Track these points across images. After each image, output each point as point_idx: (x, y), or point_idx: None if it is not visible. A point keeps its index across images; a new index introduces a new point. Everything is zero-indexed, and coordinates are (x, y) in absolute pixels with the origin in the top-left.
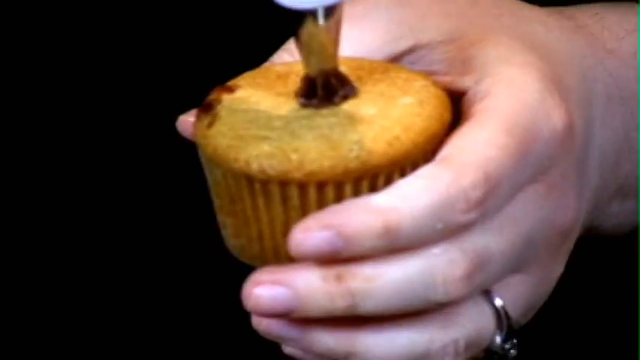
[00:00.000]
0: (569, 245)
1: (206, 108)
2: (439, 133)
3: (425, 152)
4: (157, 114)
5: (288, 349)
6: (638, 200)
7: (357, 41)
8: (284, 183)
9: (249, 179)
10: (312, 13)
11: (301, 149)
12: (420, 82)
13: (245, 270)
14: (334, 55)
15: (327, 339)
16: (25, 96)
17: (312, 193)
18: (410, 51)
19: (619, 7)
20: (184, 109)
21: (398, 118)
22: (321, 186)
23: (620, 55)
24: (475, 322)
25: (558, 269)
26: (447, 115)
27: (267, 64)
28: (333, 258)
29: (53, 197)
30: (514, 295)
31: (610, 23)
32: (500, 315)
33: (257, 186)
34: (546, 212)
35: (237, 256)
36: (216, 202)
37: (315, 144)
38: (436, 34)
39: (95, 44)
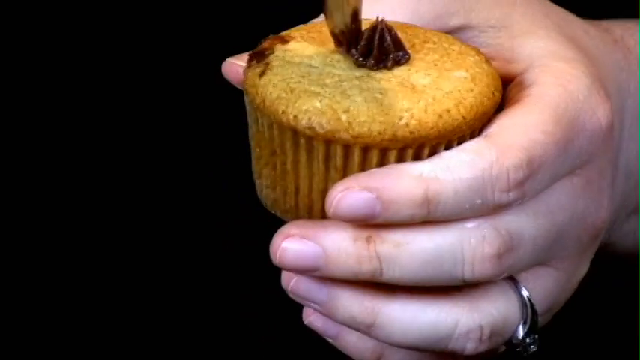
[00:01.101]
0: (595, 246)
1: (258, 55)
2: (489, 111)
3: (473, 129)
4: (162, 106)
5: (308, 319)
6: None
7: (412, 10)
8: (330, 142)
9: (295, 133)
10: None
11: (352, 110)
12: (473, 58)
13: (249, 268)
14: (355, 10)
15: (353, 304)
16: (26, 95)
17: (356, 155)
18: (460, 29)
19: None
20: (190, 102)
21: (450, 91)
22: (366, 149)
23: None
24: (502, 310)
25: (583, 269)
26: (497, 95)
27: (320, 19)
28: (369, 221)
29: (55, 189)
30: (540, 288)
31: None
32: (526, 306)
33: (302, 141)
34: (581, 207)
35: (270, 208)
36: (256, 152)
37: (366, 106)
38: (487, 17)
39: (97, 42)
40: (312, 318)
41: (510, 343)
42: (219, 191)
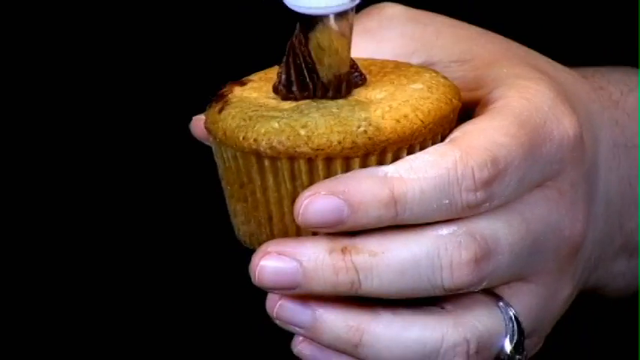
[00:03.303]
0: (577, 267)
1: (217, 98)
2: (448, 116)
3: (434, 134)
4: (164, 112)
5: (297, 348)
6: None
7: (373, 51)
8: (292, 158)
9: (259, 156)
10: (323, 18)
11: (309, 125)
12: (429, 74)
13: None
14: (347, 58)
15: (337, 324)
16: (29, 97)
17: (320, 168)
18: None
19: (619, 69)
20: (191, 107)
21: (407, 100)
22: (329, 160)
23: (624, 107)
24: (486, 324)
25: (566, 288)
26: (456, 101)
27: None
28: (338, 226)
29: (57, 191)
30: (524, 305)
31: (614, 79)
32: (512, 321)
33: (266, 163)
34: (555, 219)
35: (248, 244)
36: (227, 191)
37: (323, 120)
38: (448, 54)
39: (99, 44)
40: (300, 347)
41: (499, 358)
42: (218, 191)
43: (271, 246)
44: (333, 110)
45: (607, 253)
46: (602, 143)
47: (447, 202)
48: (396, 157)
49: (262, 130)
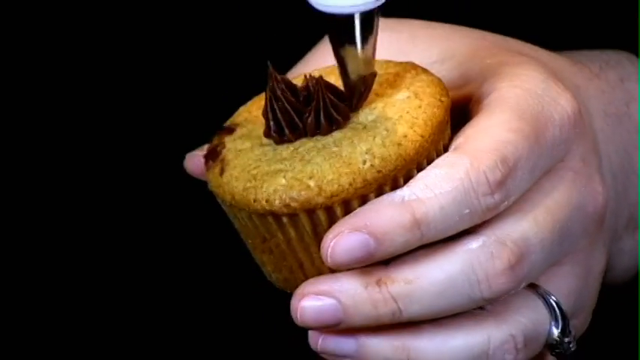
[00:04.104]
0: (605, 236)
1: (212, 155)
2: (444, 119)
3: (436, 142)
4: (169, 114)
5: None
6: None
7: None
8: (310, 211)
9: (276, 216)
10: (349, 18)
11: (316, 174)
12: (410, 73)
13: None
14: (372, 60)
15: (383, 347)
16: (30, 100)
17: (339, 212)
18: None
19: (591, 51)
20: (198, 115)
21: (400, 116)
22: (346, 203)
23: (606, 79)
24: (529, 316)
25: (600, 261)
26: (445, 99)
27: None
28: (368, 260)
29: (60, 193)
30: (562, 288)
31: (589, 57)
32: (553, 308)
33: (285, 220)
34: (577, 199)
35: (284, 288)
36: (249, 244)
37: (328, 165)
38: (427, 56)
39: (101, 47)
40: None
41: (550, 347)
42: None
43: (307, 287)
44: (334, 150)
45: (619, 225)
46: (594, 115)
47: (467, 211)
48: (408, 177)
49: (271, 190)
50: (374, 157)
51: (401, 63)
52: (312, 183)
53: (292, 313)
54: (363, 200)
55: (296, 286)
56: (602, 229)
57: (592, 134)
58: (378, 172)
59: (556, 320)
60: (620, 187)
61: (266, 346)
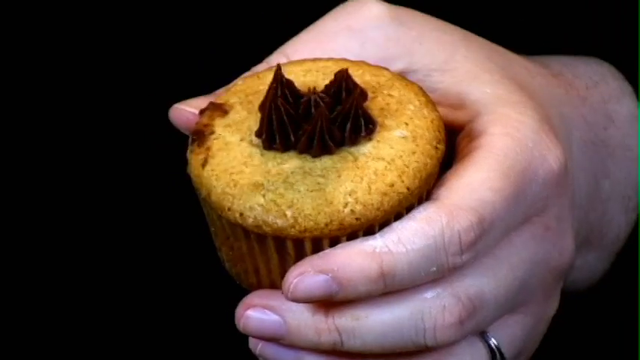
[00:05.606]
0: (562, 282)
1: (199, 135)
2: (434, 171)
3: (420, 193)
4: (161, 116)
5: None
6: (598, 253)
7: (356, 55)
8: (279, 237)
9: (245, 229)
10: None
11: (295, 204)
12: (413, 105)
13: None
14: None
15: None
16: (27, 98)
17: (307, 247)
18: (403, 72)
19: (581, 59)
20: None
21: (392, 160)
22: (316, 240)
23: (591, 102)
24: (468, 358)
25: (553, 306)
26: (441, 147)
27: (260, 68)
28: (327, 300)
29: (58, 194)
30: (509, 336)
31: (580, 73)
32: (495, 354)
33: (252, 235)
34: (542, 254)
35: (234, 278)
36: (212, 231)
37: (309, 197)
38: (430, 61)
39: (100, 46)
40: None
41: None
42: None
43: (256, 299)
44: (320, 181)
45: (576, 246)
46: (573, 143)
47: (434, 269)
48: (384, 224)
49: (247, 206)
50: (356, 203)
51: (407, 85)
52: (289, 213)
53: (236, 320)
54: (334, 241)
55: (247, 283)
56: (561, 280)
57: (572, 187)
58: (357, 219)
59: None
60: (580, 211)
61: None
